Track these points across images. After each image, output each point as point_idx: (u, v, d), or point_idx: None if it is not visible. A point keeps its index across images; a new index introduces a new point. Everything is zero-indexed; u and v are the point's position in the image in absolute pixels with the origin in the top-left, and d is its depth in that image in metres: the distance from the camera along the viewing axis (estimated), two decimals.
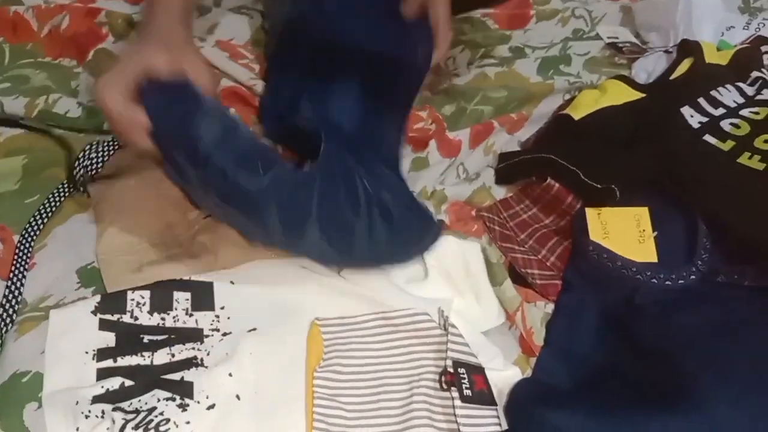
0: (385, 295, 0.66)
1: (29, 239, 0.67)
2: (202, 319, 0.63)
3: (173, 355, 0.60)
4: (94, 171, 0.73)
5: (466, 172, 0.82)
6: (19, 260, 0.65)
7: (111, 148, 0.75)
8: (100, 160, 0.74)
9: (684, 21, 0.95)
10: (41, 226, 0.69)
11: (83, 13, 0.88)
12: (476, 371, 0.59)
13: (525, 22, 1.01)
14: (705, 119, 0.82)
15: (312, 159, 0.65)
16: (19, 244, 0.66)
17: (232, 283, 0.65)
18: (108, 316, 0.62)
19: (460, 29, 0.96)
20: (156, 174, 0.74)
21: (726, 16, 0.99)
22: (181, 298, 0.64)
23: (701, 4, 0.97)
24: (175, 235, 0.70)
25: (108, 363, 0.59)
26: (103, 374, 0.58)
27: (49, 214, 0.70)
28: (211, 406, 0.57)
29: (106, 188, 0.72)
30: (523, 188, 0.79)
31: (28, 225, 0.68)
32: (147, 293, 0.64)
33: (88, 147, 0.74)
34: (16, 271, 0.64)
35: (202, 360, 0.60)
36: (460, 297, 0.68)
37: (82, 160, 0.73)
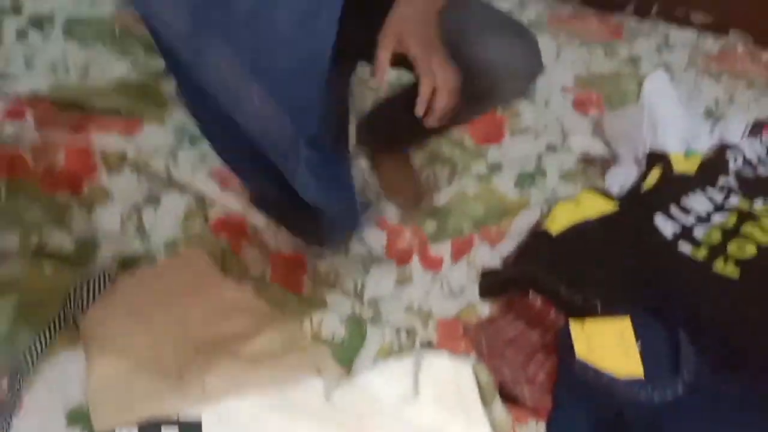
0: (374, 424, 0.65)
1: (18, 382, 0.67)
2: None
3: None
4: (85, 305, 0.74)
5: (450, 287, 0.83)
6: (6, 406, 0.65)
7: (102, 283, 0.76)
8: (91, 295, 0.75)
9: (650, 132, 0.99)
10: (31, 368, 0.68)
11: (79, 151, 0.92)
12: None
13: (500, 138, 1.06)
14: (678, 228, 0.85)
15: None
16: (8, 388, 0.66)
17: (219, 419, 0.65)
18: None
19: (438, 148, 1.00)
20: (146, 307, 0.75)
21: (691, 124, 1.03)
22: None
23: (666, 114, 1.01)
24: (165, 367, 0.70)
25: None
26: None
27: (38, 354, 0.70)
28: None
29: (97, 323, 0.73)
30: (508, 303, 0.81)
31: (17, 368, 0.68)
32: (135, 431, 0.63)
33: (79, 283, 0.75)
34: (3, 419, 0.64)
35: None
36: (452, 421, 0.67)
37: (73, 296, 0.74)
